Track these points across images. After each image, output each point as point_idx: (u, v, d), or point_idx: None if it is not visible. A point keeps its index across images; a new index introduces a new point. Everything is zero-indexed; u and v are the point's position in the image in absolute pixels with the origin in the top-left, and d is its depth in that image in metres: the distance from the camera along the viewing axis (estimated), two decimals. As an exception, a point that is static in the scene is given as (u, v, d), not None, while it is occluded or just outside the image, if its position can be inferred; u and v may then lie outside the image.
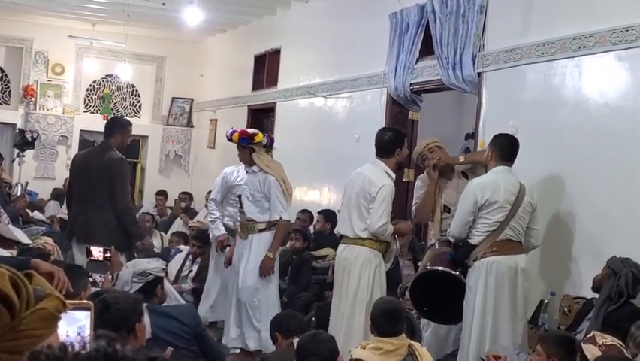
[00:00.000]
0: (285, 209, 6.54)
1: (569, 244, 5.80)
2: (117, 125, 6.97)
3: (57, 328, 1.43)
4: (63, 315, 1.64)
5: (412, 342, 4.30)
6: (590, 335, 3.89)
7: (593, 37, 5.64)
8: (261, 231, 6.57)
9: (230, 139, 6.76)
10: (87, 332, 1.60)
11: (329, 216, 8.16)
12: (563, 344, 4.11)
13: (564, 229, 5.82)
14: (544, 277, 5.97)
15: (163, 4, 10.89)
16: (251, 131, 6.74)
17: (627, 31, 5.33)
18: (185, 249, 8.94)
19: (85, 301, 1.73)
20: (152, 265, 4.28)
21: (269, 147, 6.73)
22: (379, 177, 5.75)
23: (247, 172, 6.74)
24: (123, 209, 6.61)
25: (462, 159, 5.97)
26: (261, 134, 6.67)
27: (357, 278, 5.73)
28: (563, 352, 4.05)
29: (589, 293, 5.35)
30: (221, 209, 7.42)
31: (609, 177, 5.47)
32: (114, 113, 14.08)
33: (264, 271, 6.49)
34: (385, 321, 4.30)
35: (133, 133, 7.30)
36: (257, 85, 11.90)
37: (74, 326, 1.62)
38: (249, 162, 6.65)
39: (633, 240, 5.19)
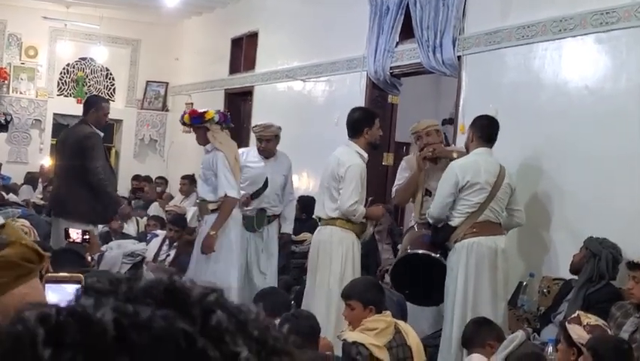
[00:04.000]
0: (231, 186, 6.35)
1: (547, 226, 5.84)
2: (91, 102, 7.10)
3: (28, 281, 1.37)
4: (54, 288, 1.60)
5: (397, 320, 4.31)
6: (575, 315, 3.91)
7: (573, 20, 5.66)
8: (212, 211, 6.44)
9: (183, 122, 6.75)
10: None
11: (305, 204, 8.10)
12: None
13: (542, 211, 5.85)
14: (522, 259, 6.01)
15: (139, -15, 10.78)
16: (201, 110, 6.67)
17: (607, 13, 5.36)
18: (161, 233, 8.88)
19: (75, 274, 1.69)
20: (138, 246, 4.25)
21: (223, 124, 6.60)
22: (349, 157, 5.72)
23: (205, 151, 6.60)
24: (95, 180, 6.57)
25: (455, 154, 5.91)
26: (211, 111, 6.55)
27: (330, 258, 5.69)
28: None
29: (567, 274, 5.40)
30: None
31: (587, 160, 5.51)
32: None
33: (204, 248, 6.31)
34: (376, 292, 4.33)
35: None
36: (234, 68, 11.83)
37: (65, 300, 1.58)
38: (204, 142, 6.54)
39: (609, 221, 5.24)
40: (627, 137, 5.21)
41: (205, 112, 6.51)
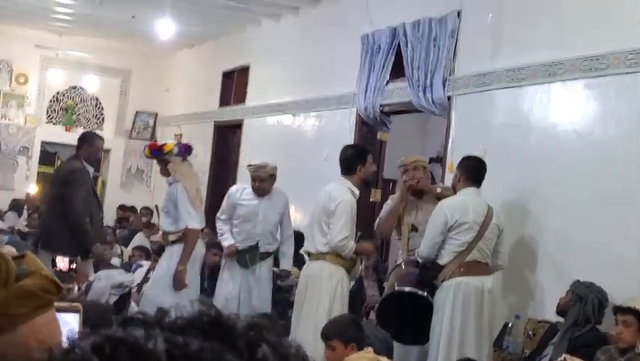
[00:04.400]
0: (192, 217, 6.39)
1: (534, 268, 5.86)
2: (85, 138, 7.18)
3: (47, 312, 1.37)
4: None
5: (380, 357, 4.29)
6: (561, 358, 3.92)
7: (563, 65, 5.74)
8: (173, 243, 6.50)
9: (145, 155, 6.89)
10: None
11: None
12: None
13: (529, 252, 5.88)
14: (508, 300, 6.02)
15: (133, 16, 10.84)
16: (160, 143, 6.80)
17: (597, 59, 5.43)
18: (146, 264, 8.84)
19: (74, 303, 1.70)
20: (125, 277, 4.24)
21: (184, 155, 6.63)
22: (340, 193, 5.76)
23: (168, 183, 6.66)
24: (73, 218, 6.64)
25: (439, 190, 5.95)
26: (170, 143, 6.64)
27: (319, 292, 5.70)
28: None
29: (553, 317, 5.40)
30: (227, 224, 7.05)
31: (575, 204, 5.55)
32: (76, 125, 13.94)
33: (177, 284, 6.33)
34: (355, 329, 4.31)
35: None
36: (224, 101, 11.88)
37: (64, 329, 1.58)
38: (166, 174, 6.60)
39: (596, 265, 5.26)
40: (615, 182, 5.26)
41: (164, 145, 6.59)
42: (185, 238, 6.38)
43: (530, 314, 5.81)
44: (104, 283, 4.19)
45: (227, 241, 7.03)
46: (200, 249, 6.71)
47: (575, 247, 5.51)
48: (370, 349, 4.31)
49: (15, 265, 1.36)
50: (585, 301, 5.01)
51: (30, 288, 1.34)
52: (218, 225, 7.16)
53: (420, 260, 5.48)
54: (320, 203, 5.86)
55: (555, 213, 5.72)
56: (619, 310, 4.62)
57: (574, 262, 5.46)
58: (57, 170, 7.31)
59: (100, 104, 14.59)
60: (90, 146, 7.03)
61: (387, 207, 6.20)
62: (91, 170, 7.04)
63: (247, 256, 6.83)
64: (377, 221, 6.28)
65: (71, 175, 6.77)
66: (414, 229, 5.99)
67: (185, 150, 6.66)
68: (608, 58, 5.35)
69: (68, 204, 6.64)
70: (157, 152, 6.56)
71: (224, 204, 7.18)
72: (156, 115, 14.61)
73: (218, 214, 7.19)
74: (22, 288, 1.34)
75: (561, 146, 5.76)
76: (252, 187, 6.89)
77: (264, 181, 6.83)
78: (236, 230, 6.88)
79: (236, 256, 6.87)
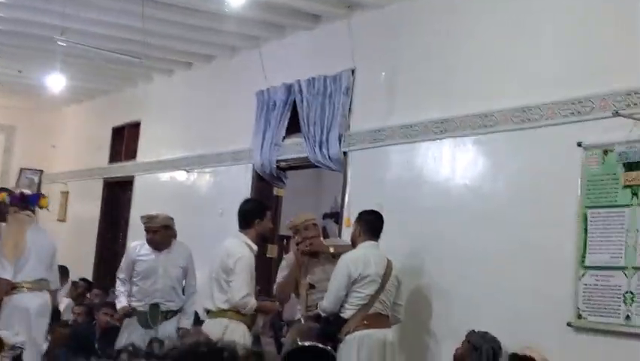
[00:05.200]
0: (2, 266, 6.40)
1: (429, 320, 5.98)
2: None
3: None
4: None
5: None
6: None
7: (454, 122, 5.96)
8: None
9: None
10: None
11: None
12: None
13: (425, 304, 5.99)
14: (406, 352, 6.09)
15: (19, 71, 10.60)
16: None
17: (487, 117, 5.67)
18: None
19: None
20: (17, 338, 4.08)
21: (19, 205, 6.62)
22: (238, 248, 5.73)
23: None
24: None
25: (332, 250, 6.00)
26: (3, 193, 6.59)
27: None
28: None
29: (449, 368, 5.50)
30: (126, 284, 6.81)
31: (467, 256, 5.71)
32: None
33: None
34: None
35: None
36: (114, 157, 11.68)
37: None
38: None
39: (489, 315, 5.42)
40: (504, 235, 5.46)
41: None
42: None
43: (427, 365, 5.90)
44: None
45: (120, 303, 6.84)
46: (27, 300, 6.52)
47: (469, 298, 5.65)
48: None
49: None
50: (480, 351, 5.13)
51: None
52: (117, 285, 6.96)
53: (323, 314, 5.50)
54: (218, 259, 5.80)
55: (448, 266, 5.87)
56: (515, 358, 4.76)
57: (468, 313, 5.60)
58: None
59: (-18, 160, 14.10)
60: None
61: (283, 270, 6.17)
62: None
63: (148, 316, 6.57)
64: (275, 286, 6.25)
65: None
66: (311, 286, 6.02)
67: (20, 200, 6.56)
68: (497, 115, 5.60)
69: None
70: None
71: (123, 261, 7.01)
72: (41, 172, 14.21)
73: (117, 273, 7.01)
74: None
75: (453, 200, 5.95)
76: (147, 240, 6.72)
77: (156, 233, 6.63)
78: (136, 288, 6.65)
79: (135, 316, 6.63)
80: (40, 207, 7.15)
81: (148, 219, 6.72)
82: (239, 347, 0.73)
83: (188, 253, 6.82)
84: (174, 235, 6.80)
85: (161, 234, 6.64)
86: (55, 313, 8.23)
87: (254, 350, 0.68)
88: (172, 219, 6.75)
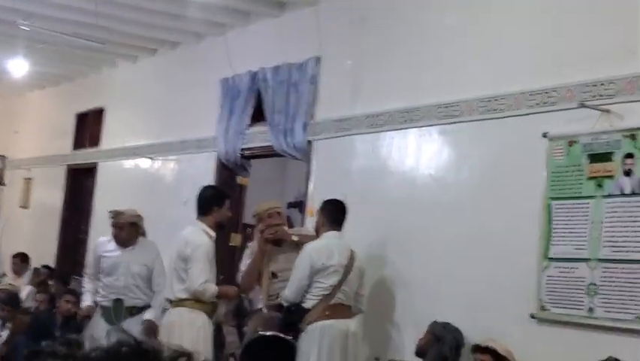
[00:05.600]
0: None
1: (392, 310, 5.95)
2: None
3: None
4: None
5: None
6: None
7: (419, 112, 5.92)
8: None
9: None
10: None
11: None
12: None
13: (388, 294, 5.97)
14: (368, 342, 6.06)
15: (-20, 55, 10.39)
16: None
17: (452, 106, 5.64)
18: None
19: None
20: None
21: None
22: (196, 236, 5.68)
23: None
24: None
25: (296, 238, 5.94)
26: None
27: (180, 340, 5.53)
28: None
29: (412, 358, 5.47)
30: (92, 281, 6.65)
31: (430, 246, 5.70)
32: None
33: None
34: None
35: None
36: (78, 144, 11.52)
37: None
38: None
39: (451, 306, 5.41)
40: (468, 225, 5.43)
41: None
42: None
43: (390, 356, 5.87)
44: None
45: (85, 301, 6.73)
46: None
47: (432, 288, 5.64)
48: None
49: None
50: (443, 342, 5.12)
51: None
52: (84, 281, 6.85)
53: (285, 304, 5.45)
54: (175, 248, 5.75)
55: (412, 256, 5.84)
56: (478, 349, 4.74)
57: (431, 304, 5.58)
58: None
59: (-58, 146, 13.85)
60: None
61: (246, 259, 6.11)
62: None
63: (112, 311, 6.38)
64: (239, 275, 6.20)
65: None
66: (274, 275, 5.96)
67: None
68: (461, 106, 5.57)
69: None
70: None
71: (89, 257, 6.90)
72: (4, 158, 14.01)
73: (85, 268, 6.87)
74: None
75: (417, 190, 5.92)
76: (112, 236, 6.56)
77: (122, 229, 6.46)
78: (101, 284, 6.50)
79: (99, 312, 6.48)
80: None
81: (115, 215, 6.58)
82: (166, 348, 0.66)
83: (155, 251, 6.61)
84: (142, 233, 6.64)
85: (126, 231, 6.48)
86: (16, 300, 8.14)
87: (183, 351, 0.62)
88: (140, 216, 6.58)
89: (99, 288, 6.53)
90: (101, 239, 6.83)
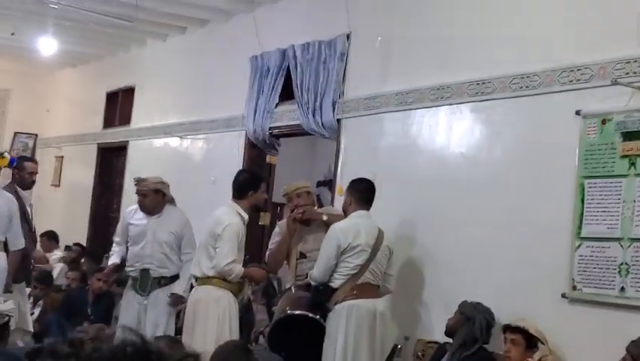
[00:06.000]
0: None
1: (422, 289, 5.91)
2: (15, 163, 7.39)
3: None
4: None
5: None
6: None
7: (450, 89, 5.84)
8: None
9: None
10: None
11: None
12: None
13: (417, 274, 5.92)
14: (397, 322, 6.04)
15: (12, 33, 10.44)
16: None
17: (484, 83, 5.55)
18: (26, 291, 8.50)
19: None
20: (5, 305, 4.00)
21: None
22: (228, 216, 5.66)
23: None
24: None
25: (325, 217, 5.92)
26: None
27: (206, 318, 5.57)
28: None
29: (442, 338, 5.45)
30: (121, 246, 6.68)
31: (461, 225, 5.63)
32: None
33: None
34: (242, 357, 4.19)
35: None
36: (108, 123, 11.57)
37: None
38: None
39: (482, 286, 5.35)
40: (499, 204, 5.36)
41: None
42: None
43: (419, 335, 5.85)
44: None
45: (111, 260, 6.76)
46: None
47: (462, 268, 5.58)
48: None
49: None
50: (473, 322, 5.07)
51: None
52: (112, 247, 6.87)
53: (313, 283, 5.43)
54: (207, 226, 5.75)
55: (442, 235, 5.79)
56: (508, 328, 4.69)
57: (461, 283, 5.53)
58: None
59: (-24, 125, 14.00)
60: (20, 170, 7.10)
61: (275, 238, 6.12)
62: (24, 195, 6.98)
63: (138, 282, 6.40)
64: (267, 254, 6.20)
65: None
66: (302, 256, 5.95)
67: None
68: (494, 82, 5.48)
69: None
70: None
71: (118, 225, 6.95)
72: (36, 136, 14.12)
73: (114, 236, 6.92)
74: None
75: (448, 168, 5.85)
76: (137, 203, 6.55)
77: (146, 196, 6.41)
78: (129, 253, 6.51)
79: (129, 284, 6.53)
80: None
81: (138, 182, 6.57)
82: (170, 350, 0.63)
83: (183, 219, 6.53)
84: (168, 200, 6.58)
85: (150, 198, 6.42)
86: (49, 278, 8.22)
87: (189, 353, 0.59)
88: (164, 183, 6.51)
89: (128, 257, 6.54)
90: (129, 208, 6.86)
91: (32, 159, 7.39)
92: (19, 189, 6.97)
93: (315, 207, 6.21)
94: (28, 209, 7.14)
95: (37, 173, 7.27)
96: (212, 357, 4.36)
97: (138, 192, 6.51)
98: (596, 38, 4.89)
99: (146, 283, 6.38)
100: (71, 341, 0.63)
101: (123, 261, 6.62)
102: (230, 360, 4.22)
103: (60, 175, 12.97)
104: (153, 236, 6.40)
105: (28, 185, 7.18)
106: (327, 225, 5.76)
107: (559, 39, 5.15)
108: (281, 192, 6.22)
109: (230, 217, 5.64)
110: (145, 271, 6.39)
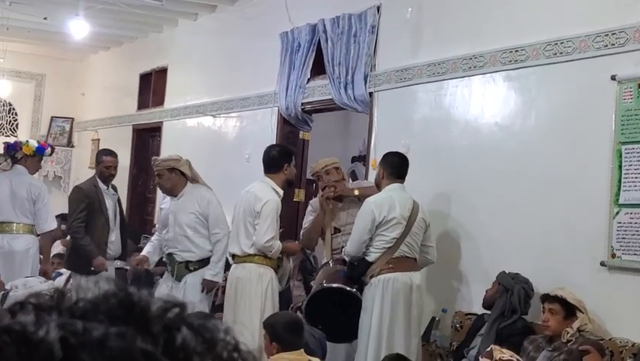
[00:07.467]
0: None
1: (459, 262, 5.87)
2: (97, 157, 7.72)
3: None
4: None
5: (311, 358, 4.22)
6: (489, 348, 3.90)
7: (483, 58, 5.76)
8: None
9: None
10: None
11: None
12: None
13: (454, 246, 5.89)
14: (435, 294, 6.02)
15: (45, 18, 10.51)
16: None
17: (517, 51, 5.46)
18: (66, 272, 8.58)
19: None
20: (45, 285, 4.04)
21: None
22: (265, 193, 5.67)
23: None
24: (70, 233, 7.28)
25: (356, 192, 5.91)
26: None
27: (249, 295, 5.61)
28: None
29: (480, 309, 5.42)
30: (158, 236, 6.50)
31: (498, 196, 5.58)
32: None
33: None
34: (291, 333, 4.22)
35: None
36: (142, 104, 11.63)
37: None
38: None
39: (520, 256, 5.30)
40: (536, 173, 5.29)
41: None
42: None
43: (457, 307, 5.82)
44: (22, 292, 3.98)
45: (144, 249, 6.65)
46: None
47: (500, 238, 5.54)
48: (301, 350, 4.23)
49: None
50: (511, 293, 5.03)
51: None
52: (154, 237, 6.77)
53: (347, 258, 5.43)
54: (244, 204, 5.76)
55: (479, 207, 5.74)
56: (547, 298, 4.65)
57: (499, 254, 5.48)
58: None
59: (13, 109, 14.15)
60: (98, 163, 7.24)
61: (309, 215, 6.12)
62: (103, 187, 7.06)
63: (169, 267, 6.26)
64: (301, 233, 6.22)
65: (70, 195, 7.41)
66: (336, 230, 5.96)
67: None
68: (527, 50, 5.39)
69: (68, 224, 7.17)
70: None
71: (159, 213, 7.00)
72: (72, 120, 14.26)
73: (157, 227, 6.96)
74: None
75: (483, 138, 5.79)
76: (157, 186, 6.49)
77: (161, 176, 6.12)
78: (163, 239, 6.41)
79: (146, 266, 6.58)
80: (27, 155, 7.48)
81: (153, 162, 6.42)
82: (154, 300, 0.61)
83: (205, 198, 6.12)
84: (189, 178, 6.20)
85: (166, 177, 6.11)
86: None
87: (175, 302, 0.58)
88: (178, 160, 6.16)
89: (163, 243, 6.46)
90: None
91: (111, 153, 7.17)
92: (99, 181, 7.01)
93: (345, 183, 6.19)
94: (109, 202, 7.07)
95: (114, 167, 7.14)
96: (266, 319, 4.45)
97: (156, 174, 6.30)
98: (630, 1, 4.78)
99: (174, 267, 6.15)
100: (53, 295, 0.61)
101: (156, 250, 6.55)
102: (271, 328, 4.27)
103: (97, 158, 13.10)
104: (175, 218, 6.11)
105: (106, 178, 7.07)
106: (359, 199, 5.75)
107: (593, 3, 5.05)
108: (310, 171, 6.22)
109: (268, 194, 5.66)
110: (170, 256, 6.19)
